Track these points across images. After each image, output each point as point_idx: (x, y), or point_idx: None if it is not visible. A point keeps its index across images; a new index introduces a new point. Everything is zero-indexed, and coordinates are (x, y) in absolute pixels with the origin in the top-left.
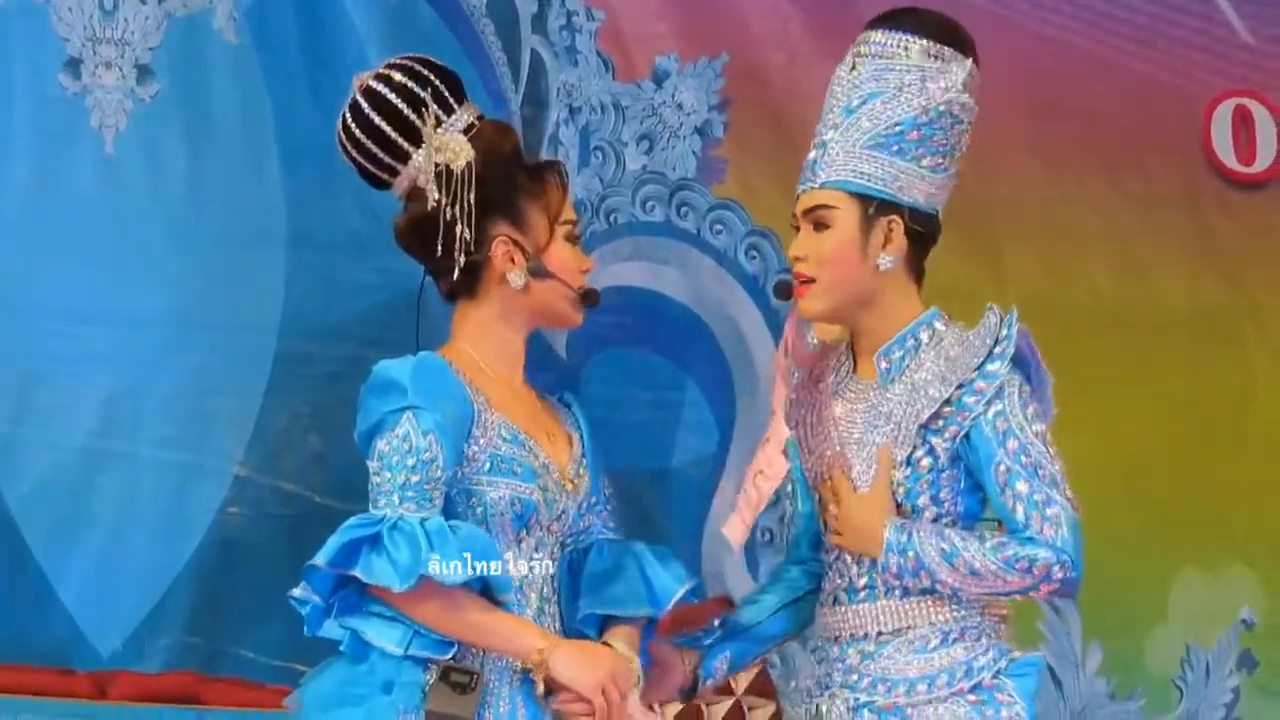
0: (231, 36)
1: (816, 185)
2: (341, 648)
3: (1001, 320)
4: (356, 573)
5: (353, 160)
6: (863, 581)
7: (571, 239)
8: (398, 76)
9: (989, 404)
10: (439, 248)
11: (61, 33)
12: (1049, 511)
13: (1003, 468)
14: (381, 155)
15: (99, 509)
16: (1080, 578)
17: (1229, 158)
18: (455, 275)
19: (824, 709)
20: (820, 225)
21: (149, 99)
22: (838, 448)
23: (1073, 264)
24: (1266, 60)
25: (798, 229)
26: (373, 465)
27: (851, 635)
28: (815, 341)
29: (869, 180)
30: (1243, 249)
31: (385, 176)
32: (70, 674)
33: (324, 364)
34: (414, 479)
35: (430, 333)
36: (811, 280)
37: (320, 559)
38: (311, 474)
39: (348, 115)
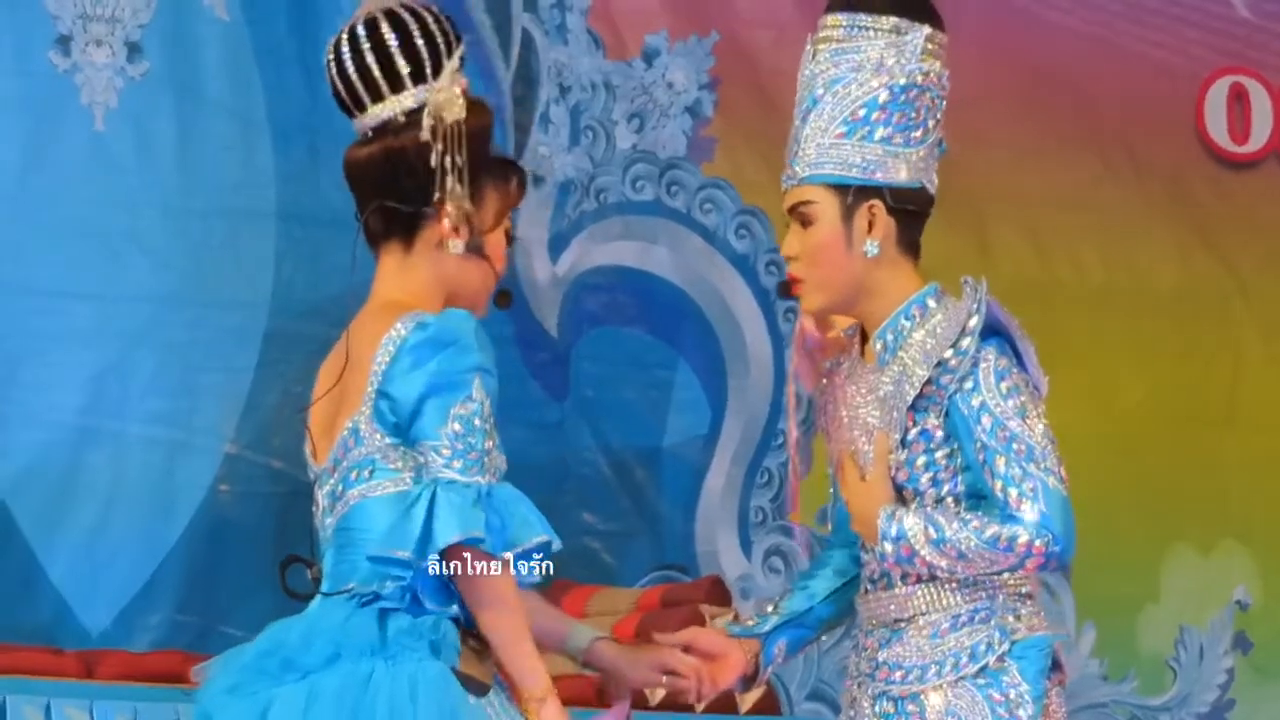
0: (222, 13)
1: (795, 182)
2: (399, 605)
3: (974, 293)
4: (475, 537)
5: (339, 70)
6: (879, 569)
7: (507, 236)
8: (424, 14)
9: (962, 381)
10: (404, 189)
11: (52, 10)
12: (1025, 486)
13: (979, 445)
14: (378, 76)
15: (88, 487)
16: (1066, 550)
17: (1222, 136)
18: (414, 222)
19: (857, 697)
20: (805, 221)
21: (139, 76)
22: (849, 434)
23: (1060, 241)
24: (1265, 37)
25: (789, 225)
26: (449, 429)
27: (875, 623)
28: (841, 331)
29: (842, 169)
30: (1233, 227)
31: (366, 98)
32: (58, 653)
33: (314, 341)
34: (488, 445)
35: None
36: (803, 280)
37: (477, 530)
38: (302, 452)
39: (359, 25)
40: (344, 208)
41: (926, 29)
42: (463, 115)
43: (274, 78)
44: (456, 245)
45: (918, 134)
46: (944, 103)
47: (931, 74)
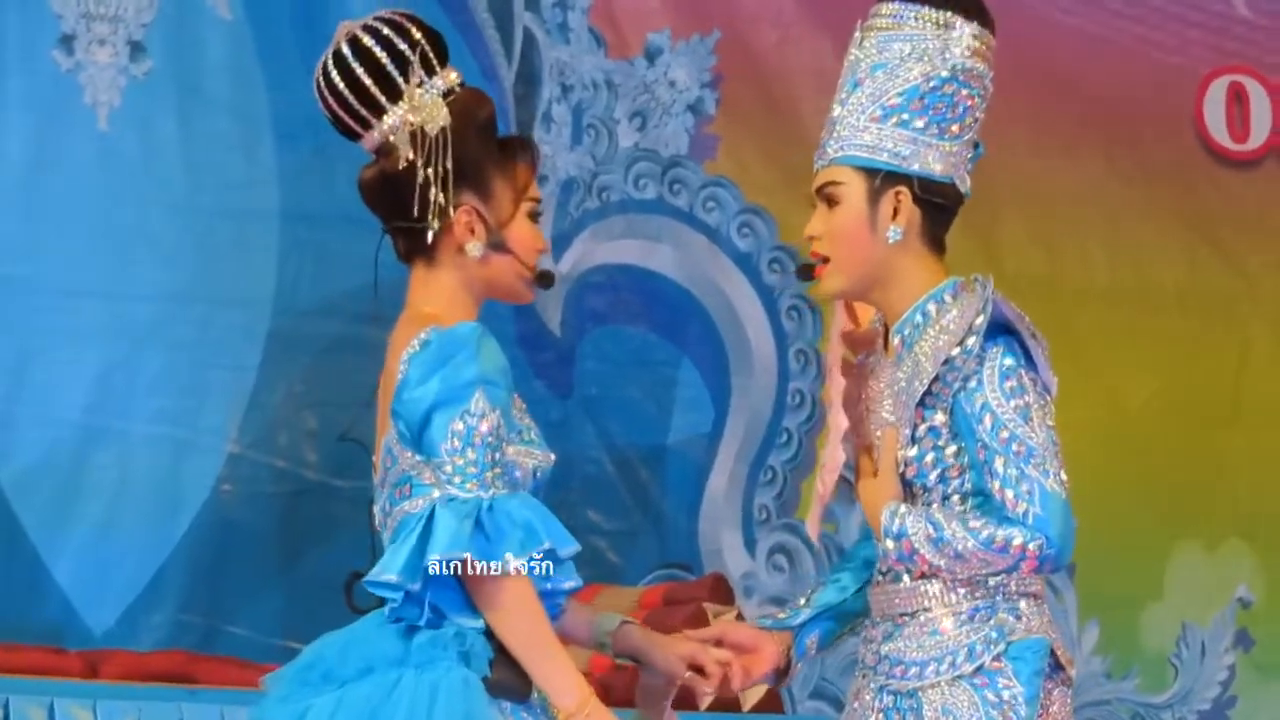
0: (225, 11)
1: (825, 163)
2: (417, 621)
3: (982, 290)
4: (467, 556)
5: (326, 106)
6: (887, 563)
7: (533, 216)
8: (385, 30)
9: (966, 380)
10: (409, 208)
11: (56, 9)
12: (1022, 488)
13: (980, 445)
14: (357, 106)
15: (93, 486)
16: (1061, 554)
17: (1221, 135)
18: (427, 238)
19: (860, 688)
20: (831, 202)
21: (142, 75)
22: (869, 428)
23: (1066, 240)
24: (1264, 36)
25: (815, 207)
26: (449, 445)
27: (882, 615)
28: (872, 320)
29: (872, 152)
30: (1238, 226)
31: (357, 128)
32: (62, 653)
33: (318, 340)
34: (492, 457)
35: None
36: (827, 259)
37: (459, 549)
38: (305, 451)
39: (329, 61)
40: (348, 206)
41: (975, 26)
42: (445, 122)
43: (277, 76)
44: (475, 248)
45: (954, 128)
46: (985, 103)
47: (975, 72)
